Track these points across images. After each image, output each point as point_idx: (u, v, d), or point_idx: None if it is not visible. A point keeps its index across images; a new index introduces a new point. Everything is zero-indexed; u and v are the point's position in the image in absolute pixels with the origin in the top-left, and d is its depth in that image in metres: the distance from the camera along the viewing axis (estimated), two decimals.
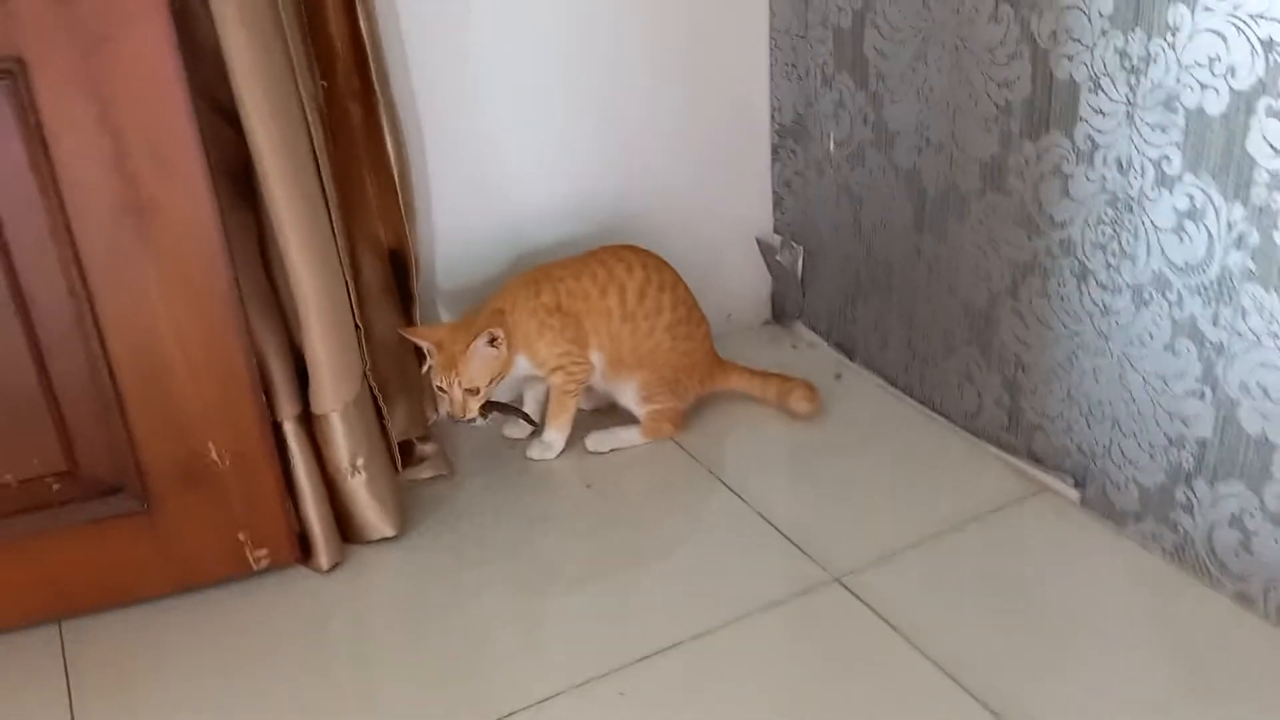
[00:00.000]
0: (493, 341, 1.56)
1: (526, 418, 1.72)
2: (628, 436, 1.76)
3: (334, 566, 1.51)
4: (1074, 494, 1.53)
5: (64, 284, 1.26)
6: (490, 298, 1.66)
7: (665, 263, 1.74)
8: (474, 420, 1.61)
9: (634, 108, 1.85)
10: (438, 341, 1.59)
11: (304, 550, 1.51)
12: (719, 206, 2.01)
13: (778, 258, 2.03)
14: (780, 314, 2.10)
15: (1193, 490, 1.35)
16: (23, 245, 1.24)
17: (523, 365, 1.65)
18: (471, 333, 1.56)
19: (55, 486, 1.37)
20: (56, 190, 1.21)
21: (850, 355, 1.93)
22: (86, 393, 1.33)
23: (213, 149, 1.30)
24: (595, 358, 1.69)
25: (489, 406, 1.63)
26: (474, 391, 1.57)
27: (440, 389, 1.59)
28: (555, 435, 1.72)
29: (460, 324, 1.62)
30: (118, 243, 1.26)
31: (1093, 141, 1.36)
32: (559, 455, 1.73)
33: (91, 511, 1.38)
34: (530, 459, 1.73)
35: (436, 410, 1.77)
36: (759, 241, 2.07)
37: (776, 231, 2.05)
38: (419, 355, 1.70)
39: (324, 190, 1.41)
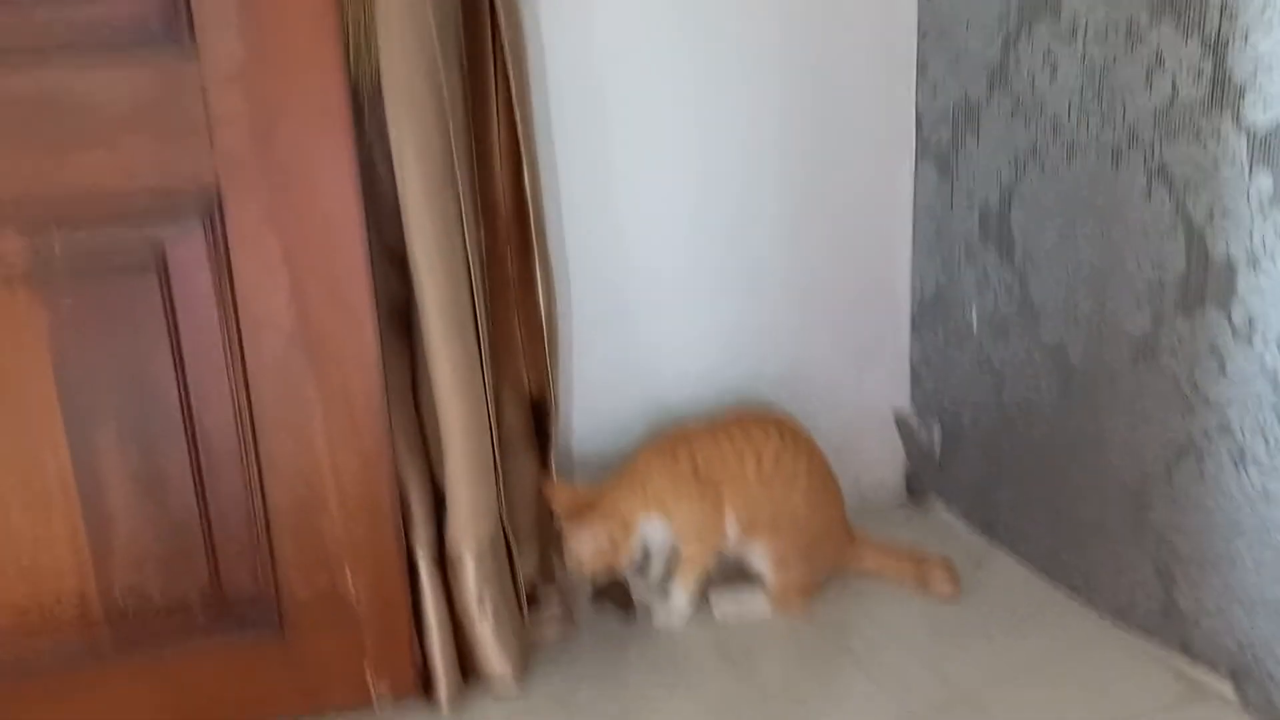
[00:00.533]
0: (595, 537, 1.61)
1: (626, 612, 1.70)
2: (757, 607, 1.72)
3: (453, 706, 1.49)
4: (1233, 694, 1.43)
5: (231, 410, 1.33)
6: (625, 467, 1.68)
7: (801, 429, 1.74)
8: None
9: (777, 279, 1.90)
10: (566, 514, 1.64)
11: (424, 685, 1.50)
12: (856, 379, 2.01)
13: (914, 433, 2.01)
14: (917, 493, 2.06)
15: None
16: (198, 369, 1.32)
17: (658, 530, 1.66)
18: (589, 521, 1.61)
19: (199, 610, 1.40)
20: (236, 319, 1.29)
21: (991, 536, 1.87)
22: (239, 518, 1.38)
23: (379, 287, 1.38)
24: (730, 525, 1.68)
25: (603, 595, 1.66)
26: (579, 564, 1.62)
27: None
28: (683, 600, 1.70)
29: (592, 494, 1.65)
30: (286, 374, 1.32)
31: (1250, 319, 1.33)
32: (685, 621, 1.70)
33: (229, 637, 1.41)
34: (656, 623, 1.70)
35: (565, 565, 1.77)
36: (896, 416, 2.05)
37: (914, 406, 2.03)
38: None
39: (479, 336, 1.47)
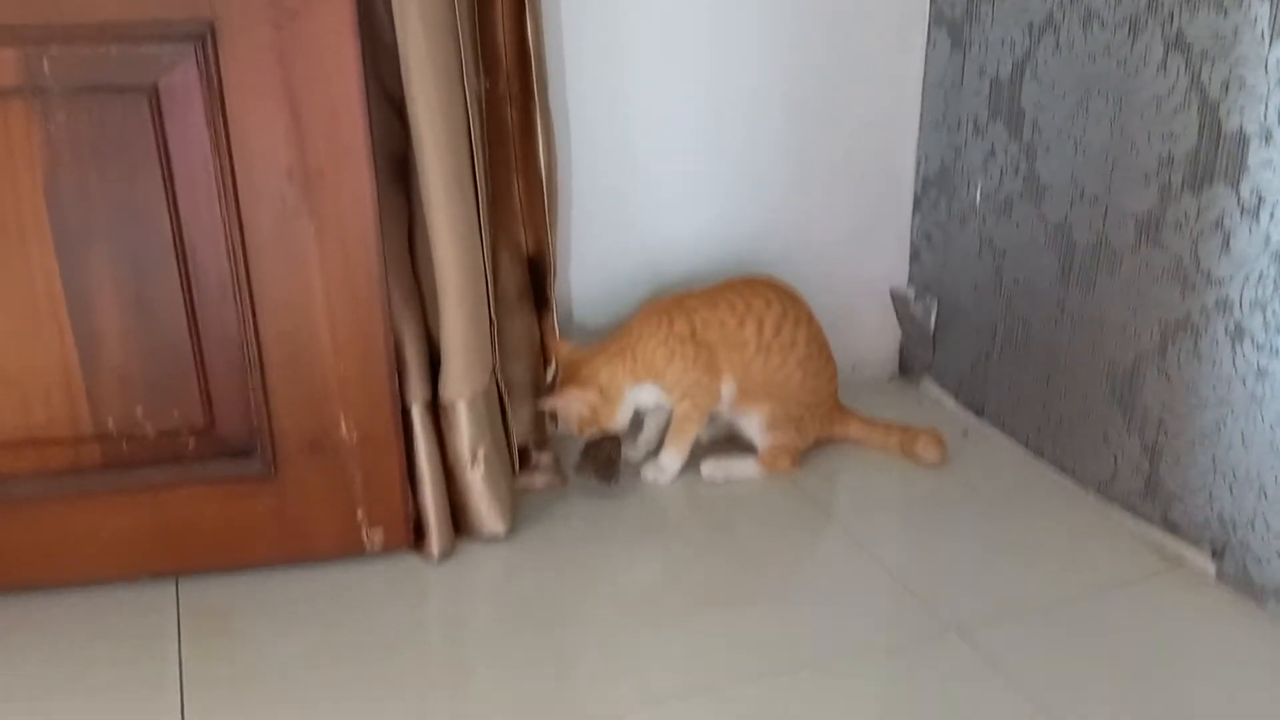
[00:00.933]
0: (581, 398, 1.62)
1: (607, 481, 1.69)
2: (744, 468, 1.74)
3: (444, 556, 1.52)
4: (1211, 567, 1.45)
5: (223, 241, 1.32)
6: (619, 332, 1.68)
7: (800, 297, 1.73)
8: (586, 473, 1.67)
9: (779, 149, 1.87)
10: (561, 364, 1.66)
11: (416, 536, 1.52)
12: (855, 254, 1.99)
13: (911, 310, 2.00)
14: (908, 368, 2.06)
15: None
16: (190, 198, 1.30)
17: (650, 394, 1.67)
18: (578, 379, 1.62)
19: (190, 442, 1.41)
20: (229, 150, 1.27)
21: (980, 413, 1.88)
22: (232, 353, 1.37)
23: (377, 135, 1.35)
24: (725, 388, 1.68)
25: (587, 463, 1.66)
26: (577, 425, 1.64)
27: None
28: (672, 459, 1.71)
29: (582, 357, 1.65)
30: (280, 208, 1.31)
31: (1259, 195, 1.31)
32: (673, 480, 1.72)
33: (221, 470, 1.42)
34: (645, 480, 1.72)
35: (556, 423, 1.78)
36: (893, 293, 2.04)
37: (911, 283, 2.02)
38: (545, 360, 1.72)
39: (476, 185, 1.45)
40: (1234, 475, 1.40)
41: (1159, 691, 1.27)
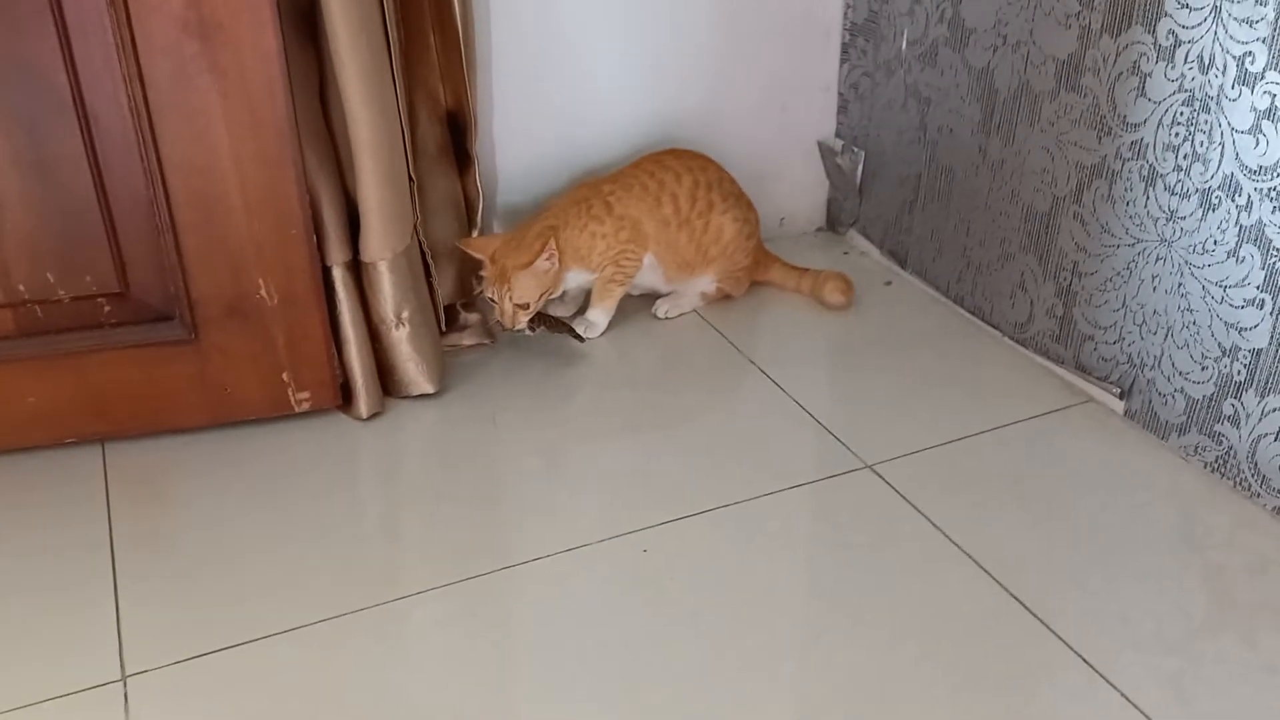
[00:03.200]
0: (547, 259, 1.58)
1: (575, 334, 1.70)
2: (690, 301, 1.79)
3: (373, 416, 1.53)
4: (1119, 405, 1.51)
5: (126, 101, 1.27)
6: (543, 212, 1.66)
7: (708, 159, 1.75)
8: (522, 331, 1.62)
9: (701, 2, 1.82)
10: (491, 255, 1.60)
11: (345, 398, 1.52)
12: (782, 107, 1.97)
13: (838, 162, 2.00)
14: (835, 221, 2.07)
15: (1241, 402, 1.33)
16: (88, 58, 1.25)
17: (576, 278, 1.67)
18: (523, 249, 1.58)
19: (106, 307, 1.39)
20: (124, 2, 1.22)
21: (903, 263, 1.90)
22: (142, 215, 1.34)
23: None
24: (649, 259, 1.69)
25: (539, 319, 1.64)
26: (524, 306, 1.59)
27: (491, 299, 1.62)
28: (599, 314, 1.72)
29: (513, 237, 1.62)
30: (181, 63, 1.26)
31: (1175, 37, 1.31)
32: (600, 334, 1.73)
33: (139, 335, 1.41)
34: (577, 333, 1.73)
35: (480, 284, 1.77)
36: (820, 145, 2.04)
37: (839, 135, 2.01)
38: (470, 219, 1.70)
39: (388, 36, 1.41)
40: (1143, 316, 1.44)
41: (1062, 518, 1.34)
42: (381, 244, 1.47)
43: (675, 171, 1.70)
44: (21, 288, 1.34)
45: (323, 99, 1.47)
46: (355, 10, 1.35)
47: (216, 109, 1.30)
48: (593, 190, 1.67)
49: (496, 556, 1.29)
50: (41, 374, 1.38)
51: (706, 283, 1.77)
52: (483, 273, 1.64)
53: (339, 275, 1.48)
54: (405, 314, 1.52)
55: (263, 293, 1.41)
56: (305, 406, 1.50)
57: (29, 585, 1.25)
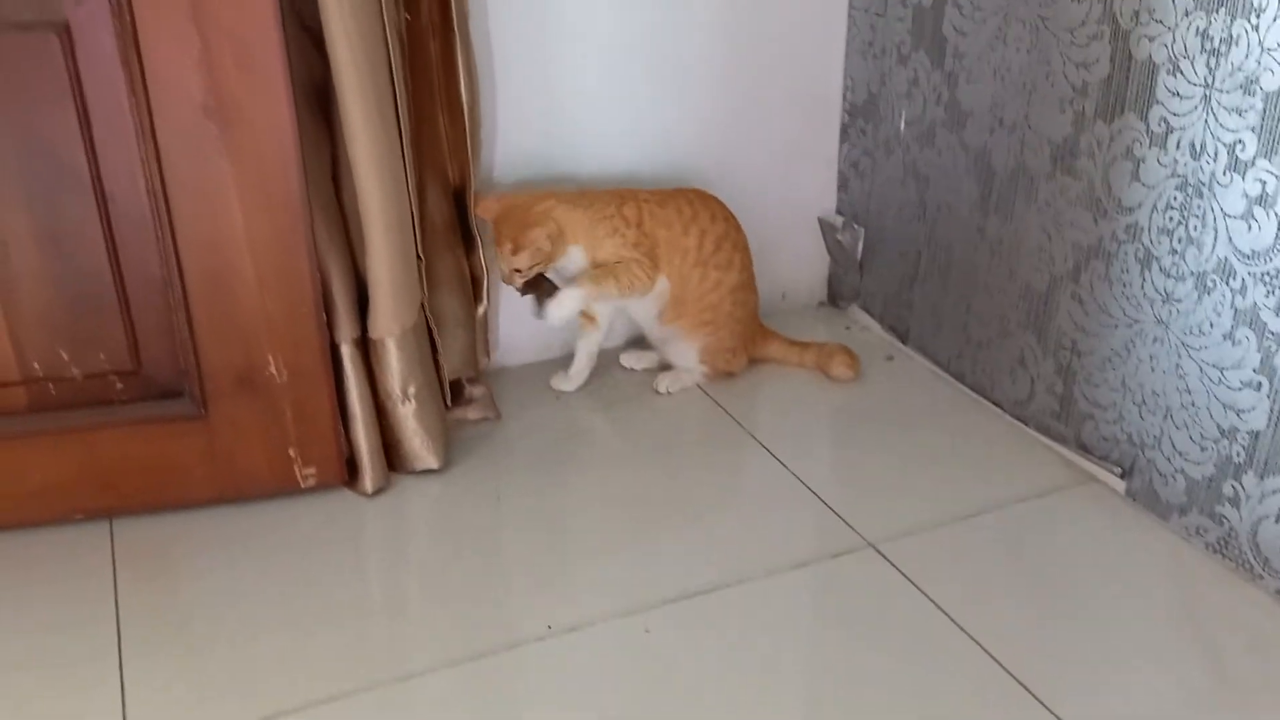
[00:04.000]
0: (538, 240, 1.60)
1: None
2: (694, 374, 1.81)
3: (378, 491, 1.53)
4: (1120, 485, 1.52)
5: (143, 181, 1.30)
6: (573, 192, 1.68)
7: (740, 224, 1.77)
8: (516, 289, 1.66)
9: (708, 75, 1.87)
10: (494, 220, 1.64)
11: (350, 473, 1.53)
12: (784, 183, 2.01)
13: (839, 238, 2.03)
14: (836, 295, 2.10)
15: (1241, 484, 1.34)
16: (107, 139, 1.29)
17: (577, 259, 1.66)
18: (523, 227, 1.60)
19: (118, 384, 1.41)
20: (144, 86, 1.25)
21: (904, 339, 1.92)
22: (156, 292, 1.37)
23: (297, 70, 1.35)
24: (661, 284, 1.71)
25: (532, 285, 1.66)
26: (517, 271, 1.62)
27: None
28: (572, 297, 1.65)
29: (519, 206, 1.63)
30: (198, 143, 1.29)
31: (1167, 124, 1.35)
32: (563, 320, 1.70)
33: (150, 411, 1.42)
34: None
35: (489, 355, 1.80)
36: (821, 221, 2.07)
37: (839, 211, 2.05)
38: (475, 294, 1.73)
39: (399, 118, 1.44)
40: (1142, 396, 1.46)
41: (1064, 598, 1.34)
42: (390, 321, 1.49)
43: (713, 214, 1.73)
44: (36, 365, 1.36)
45: (334, 177, 1.51)
46: (369, 93, 1.39)
47: (232, 188, 1.33)
48: (630, 194, 1.70)
49: (501, 634, 1.29)
50: (52, 450, 1.40)
51: (691, 355, 1.77)
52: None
53: (347, 351, 1.50)
54: (411, 389, 1.53)
55: (272, 369, 1.43)
56: (311, 483, 1.51)
57: (34, 661, 1.25)
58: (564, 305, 1.66)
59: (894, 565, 1.39)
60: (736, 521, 1.50)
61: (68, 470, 1.41)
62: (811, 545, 1.44)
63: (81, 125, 1.27)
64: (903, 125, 1.82)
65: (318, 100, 1.47)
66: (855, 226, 1.99)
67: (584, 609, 1.32)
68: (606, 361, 1.85)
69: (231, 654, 1.26)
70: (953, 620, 1.30)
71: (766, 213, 1.98)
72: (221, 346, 1.40)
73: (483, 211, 1.65)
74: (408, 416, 1.54)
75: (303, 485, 1.51)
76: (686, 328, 1.75)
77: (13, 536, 1.43)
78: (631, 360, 1.85)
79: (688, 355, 1.78)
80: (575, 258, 1.66)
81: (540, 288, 1.67)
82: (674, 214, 1.70)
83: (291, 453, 1.49)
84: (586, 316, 1.76)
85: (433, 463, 1.57)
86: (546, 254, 1.62)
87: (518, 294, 1.67)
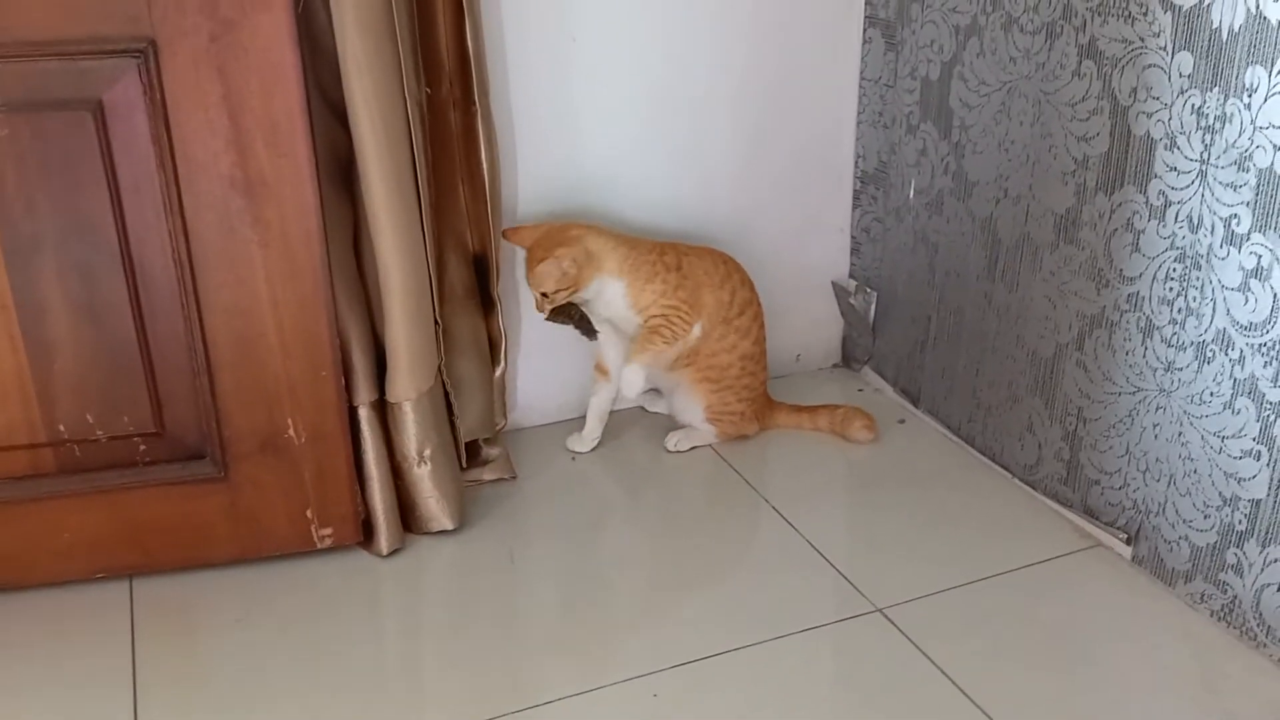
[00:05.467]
0: (559, 262, 1.63)
1: (587, 331, 1.74)
2: (705, 433, 1.83)
3: (393, 552, 1.56)
4: (1126, 550, 1.53)
5: (170, 251, 1.35)
6: (588, 224, 1.72)
7: (759, 298, 1.82)
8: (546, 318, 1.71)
9: (724, 146, 1.92)
10: (529, 246, 1.68)
11: (366, 534, 1.57)
12: (798, 247, 2.05)
13: (852, 301, 2.06)
14: (849, 358, 2.12)
15: (1244, 551, 1.35)
16: (136, 207, 1.34)
17: (617, 298, 1.69)
18: (549, 248, 1.64)
19: (141, 446, 1.45)
20: (173, 163, 1.31)
21: (915, 402, 1.94)
22: (181, 358, 1.41)
23: (321, 142, 1.40)
24: (696, 329, 1.74)
25: (560, 313, 1.70)
26: (544, 295, 1.65)
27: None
28: (635, 373, 1.71)
29: (551, 233, 1.68)
30: (225, 216, 1.34)
31: (1166, 198, 1.38)
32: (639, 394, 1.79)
33: (172, 473, 1.46)
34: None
35: (506, 416, 1.83)
36: (834, 285, 2.10)
37: (852, 276, 2.08)
38: (494, 357, 1.77)
39: (419, 189, 1.49)
40: (1146, 463, 1.47)
41: (1071, 665, 1.35)
42: (408, 385, 1.53)
43: (742, 279, 1.79)
44: (62, 428, 1.40)
45: (356, 243, 1.56)
46: (390, 166, 1.44)
47: (257, 257, 1.38)
48: (670, 245, 1.74)
49: (513, 698, 1.31)
50: (77, 510, 1.44)
51: (696, 411, 1.80)
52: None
53: (365, 414, 1.53)
54: (428, 451, 1.57)
55: (291, 432, 1.47)
56: (328, 543, 1.54)
57: (51, 718, 1.28)
58: (631, 384, 1.72)
59: (901, 630, 1.40)
60: (746, 584, 1.52)
61: (93, 530, 1.45)
62: (820, 609, 1.46)
63: (113, 198, 1.32)
64: (912, 193, 1.86)
65: (340, 171, 1.52)
66: (868, 290, 2.03)
67: (593, 672, 1.34)
68: (620, 421, 1.88)
69: (247, 718, 1.28)
70: (958, 686, 1.31)
71: (782, 276, 2.01)
72: (243, 410, 1.44)
73: (516, 240, 1.70)
74: (423, 478, 1.58)
75: (319, 546, 1.54)
76: (690, 380, 1.78)
77: (36, 594, 1.46)
78: (648, 403, 1.89)
79: (694, 412, 1.81)
80: (611, 291, 1.69)
81: (572, 318, 1.70)
82: (710, 266, 1.75)
83: (309, 513, 1.52)
84: (600, 370, 1.80)
85: (448, 524, 1.60)
86: (573, 279, 1.64)
87: (545, 319, 1.71)
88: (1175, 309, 1.39)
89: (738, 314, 1.76)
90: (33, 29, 1.24)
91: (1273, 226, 1.25)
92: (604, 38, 1.77)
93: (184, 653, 1.39)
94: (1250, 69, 1.24)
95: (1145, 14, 1.36)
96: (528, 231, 1.70)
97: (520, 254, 1.82)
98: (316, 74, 1.44)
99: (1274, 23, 1.21)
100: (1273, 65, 1.21)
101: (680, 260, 1.72)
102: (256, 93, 1.31)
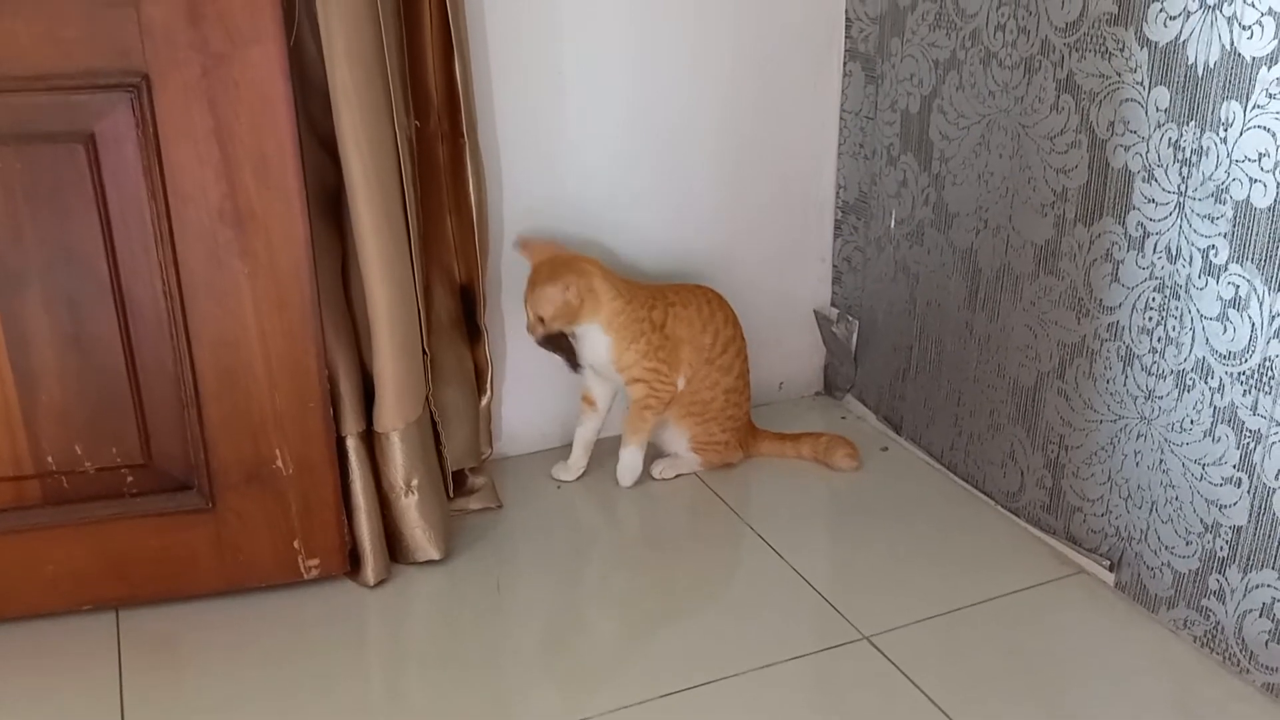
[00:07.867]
0: (565, 289, 1.65)
1: (573, 364, 1.75)
2: (689, 461, 1.84)
3: (380, 583, 1.56)
4: (1109, 577, 1.54)
5: (160, 283, 1.36)
6: (596, 262, 1.73)
7: (743, 330, 1.84)
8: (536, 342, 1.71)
9: (706, 177, 1.94)
10: (535, 266, 1.69)
11: (353, 564, 1.56)
12: (780, 277, 2.07)
13: (834, 330, 2.08)
14: (832, 386, 2.14)
15: (1225, 578, 1.36)
16: (126, 239, 1.34)
17: (601, 350, 1.71)
18: (552, 274, 1.66)
19: (129, 477, 1.44)
20: (164, 195, 1.31)
21: (898, 430, 1.96)
22: (168, 390, 1.41)
23: (310, 174, 1.40)
24: (680, 383, 1.76)
25: (551, 341, 1.70)
26: (540, 319, 1.66)
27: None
28: (631, 455, 1.79)
29: (556, 259, 1.69)
30: (214, 249, 1.35)
31: (1144, 229, 1.40)
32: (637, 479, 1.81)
33: (159, 504, 1.46)
34: (620, 483, 1.82)
35: (491, 445, 1.83)
36: (816, 314, 2.12)
37: (834, 305, 2.10)
38: (480, 386, 1.78)
39: (408, 220, 1.50)
40: (1128, 490, 1.49)
41: (1056, 691, 1.36)
42: (395, 415, 1.53)
43: (725, 316, 1.80)
44: (50, 459, 1.39)
45: (344, 275, 1.56)
46: (378, 198, 1.45)
47: (245, 289, 1.38)
48: (660, 295, 1.75)
49: None
50: (63, 541, 1.43)
51: (682, 442, 1.82)
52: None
53: (352, 444, 1.54)
54: (415, 481, 1.57)
55: (279, 462, 1.47)
56: (314, 574, 1.53)
57: None
58: (630, 468, 1.79)
59: (888, 658, 1.41)
60: (732, 613, 1.52)
61: (79, 561, 1.44)
62: (807, 638, 1.47)
63: (103, 229, 1.32)
64: (893, 224, 1.89)
65: (328, 203, 1.53)
66: (850, 319, 2.05)
67: (579, 704, 1.34)
68: (606, 450, 1.88)
69: None
70: (945, 714, 1.31)
71: (764, 305, 2.03)
72: (230, 441, 1.44)
73: (526, 251, 1.71)
74: (410, 508, 1.58)
75: (306, 576, 1.54)
76: (675, 416, 1.80)
77: (22, 625, 1.45)
78: (660, 469, 1.86)
79: (679, 441, 1.82)
80: (596, 340, 1.70)
81: (562, 348, 1.72)
82: (695, 313, 1.76)
83: (296, 544, 1.52)
84: (587, 400, 1.81)
85: (434, 554, 1.60)
86: (573, 310, 1.66)
87: (538, 345, 1.71)
88: (1155, 338, 1.42)
89: (720, 353, 1.78)
90: (25, 64, 1.24)
91: (1250, 257, 1.27)
92: (589, 72, 1.79)
93: (172, 684, 1.38)
94: (1225, 104, 1.27)
95: (1122, 50, 1.39)
96: (540, 246, 1.72)
97: (507, 284, 1.84)
98: (306, 106, 1.46)
99: (1248, 59, 1.24)
100: (1248, 100, 1.24)
101: (666, 316, 1.74)
102: (247, 125, 1.32)
